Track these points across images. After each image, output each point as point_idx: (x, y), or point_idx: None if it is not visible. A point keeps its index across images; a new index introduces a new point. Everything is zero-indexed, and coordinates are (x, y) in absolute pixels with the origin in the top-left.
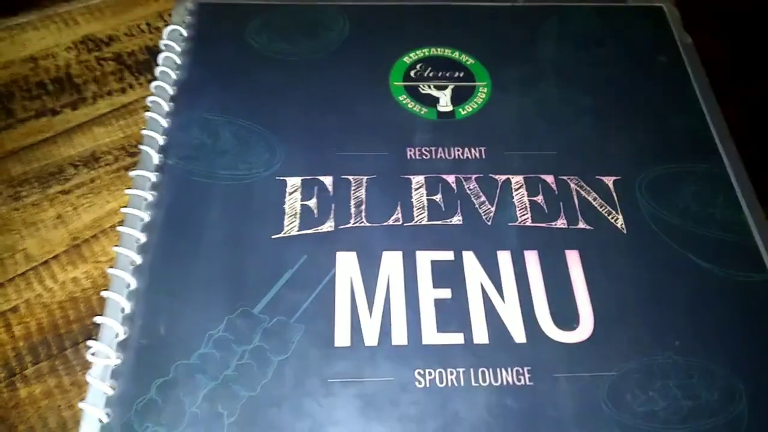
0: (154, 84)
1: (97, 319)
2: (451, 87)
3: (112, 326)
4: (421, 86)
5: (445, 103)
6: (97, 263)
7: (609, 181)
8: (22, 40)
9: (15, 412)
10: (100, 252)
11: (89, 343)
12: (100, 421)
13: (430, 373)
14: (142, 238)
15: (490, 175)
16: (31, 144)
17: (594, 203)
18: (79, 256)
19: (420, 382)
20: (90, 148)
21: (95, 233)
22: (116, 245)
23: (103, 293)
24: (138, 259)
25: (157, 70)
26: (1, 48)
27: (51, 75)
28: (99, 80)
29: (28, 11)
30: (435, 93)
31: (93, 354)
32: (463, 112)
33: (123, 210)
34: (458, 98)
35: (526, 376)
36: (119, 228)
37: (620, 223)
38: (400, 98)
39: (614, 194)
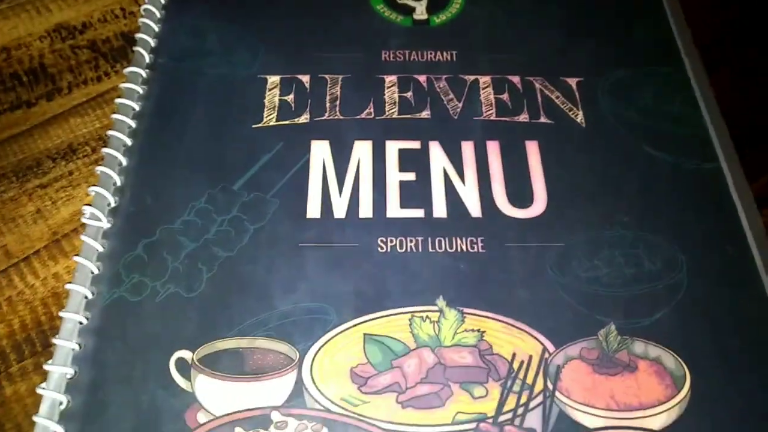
0: None
1: (90, 189)
2: None
3: (105, 195)
4: None
5: (420, 12)
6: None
7: (573, 81)
8: None
9: (1, 411)
10: (80, 246)
11: (84, 208)
12: (92, 273)
13: (391, 241)
14: (133, 123)
15: (460, 75)
16: (7, 137)
17: (557, 101)
18: (59, 250)
19: (382, 248)
20: (67, 140)
21: (75, 227)
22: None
23: (97, 168)
24: (128, 142)
25: None
26: None
27: (24, 66)
28: (74, 69)
29: None
30: (411, 3)
31: (87, 217)
32: (437, 21)
33: (116, 101)
34: (434, 8)
35: (479, 244)
36: (113, 116)
37: (580, 118)
38: (378, 8)
39: (576, 93)
